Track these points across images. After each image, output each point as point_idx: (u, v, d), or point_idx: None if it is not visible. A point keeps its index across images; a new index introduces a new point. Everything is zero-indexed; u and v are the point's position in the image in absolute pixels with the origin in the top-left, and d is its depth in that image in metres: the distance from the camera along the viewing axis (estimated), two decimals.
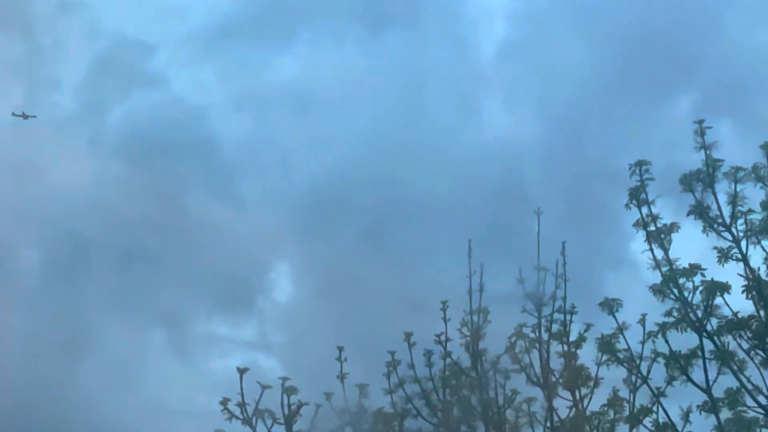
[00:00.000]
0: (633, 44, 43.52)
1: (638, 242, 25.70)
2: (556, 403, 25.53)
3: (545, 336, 25.91)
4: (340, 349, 26.31)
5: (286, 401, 25.54)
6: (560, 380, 25.60)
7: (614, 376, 25.60)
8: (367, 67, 47.80)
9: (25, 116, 32.80)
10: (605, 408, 25.14)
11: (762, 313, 24.57)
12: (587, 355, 25.85)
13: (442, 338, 26.07)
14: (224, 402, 25.39)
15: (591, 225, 33.92)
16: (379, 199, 41.48)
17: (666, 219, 25.43)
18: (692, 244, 25.92)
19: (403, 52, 48.09)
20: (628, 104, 42.01)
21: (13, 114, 32.48)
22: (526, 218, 30.32)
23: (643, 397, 25.21)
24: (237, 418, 25.41)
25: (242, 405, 25.36)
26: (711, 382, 24.58)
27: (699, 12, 44.07)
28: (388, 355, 26.28)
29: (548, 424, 25.37)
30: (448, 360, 25.97)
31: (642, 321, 25.29)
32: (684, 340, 25.05)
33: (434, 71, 47.35)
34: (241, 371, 25.43)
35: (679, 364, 24.72)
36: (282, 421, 25.55)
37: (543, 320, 26.04)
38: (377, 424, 26.02)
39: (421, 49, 48.28)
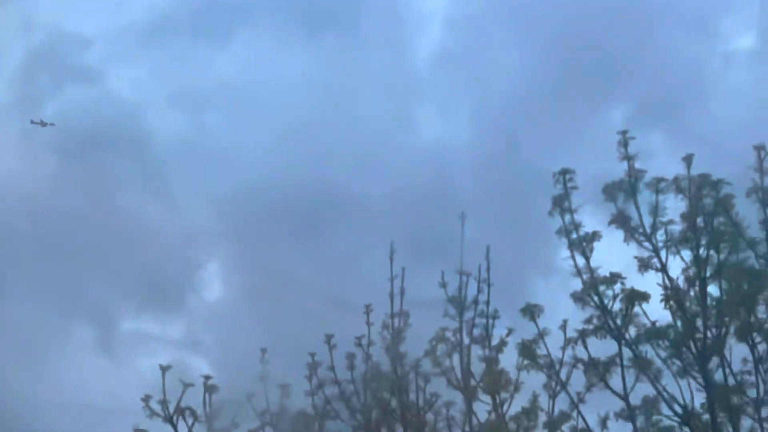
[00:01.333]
0: (568, 53, 43.78)
1: (565, 250, 26.04)
2: (476, 407, 25.75)
3: (467, 340, 26.17)
4: (263, 350, 26.40)
5: (207, 400, 25.55)
6: (480, 384, 25.79)
7: (535, 381, 25.86)
8: (304, 68, 47.74)
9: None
10: (523, 413, 25.32)
11: (679, 322, 24.94)
12: (509, 360, 26.09)
13: (364, 341, 26.22)
14: (146, 399, 25.31)
15: (522, 231, 34.03)
16: (312, 200, 41.42)
17: (593, 228, 25.83)
18: (616, 253, 26.23)
19: (341, 54, 48.10)
20: (562, 113, 42.24)
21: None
22: (457, 223, 30.52)
23: (562, 403, 25.51)
24: (158, 415, 25.35)
25: (164, 402, 25.30)
26: (629, 390, 24.89)
27: (634, 24, 44.44)
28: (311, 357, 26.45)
29: (467, 428, 25.57)
30: (369, 363, 26.15)
31: (563, 327, 25.55)
32: (603, 348, 25.34)
33: (371, 74, 47.35)
34: (164, 368, 25.36)
35: (597, 370, 24.99)
36: (203, 419, 25.53)
37: (465, 324, 26.28)
38: (297, 425, 26.09)
39: (358, 52, 48.28)
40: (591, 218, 26.10)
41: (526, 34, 45.79)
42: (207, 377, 25.56)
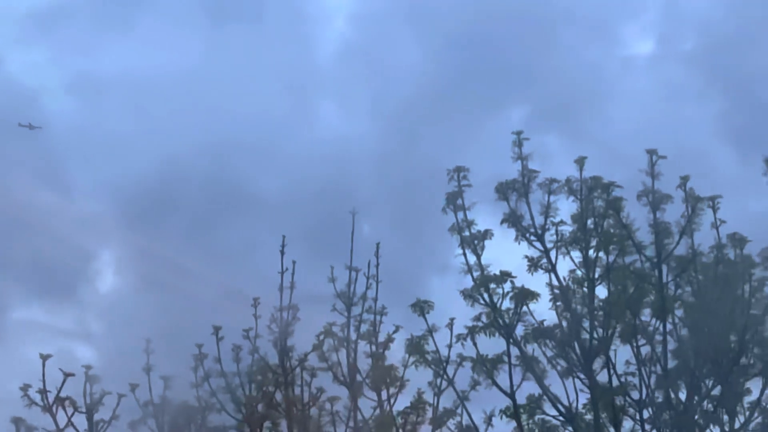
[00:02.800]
0: (470, 53, 44.04)
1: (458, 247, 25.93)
2: (361, 402, 25.59)
3: (354, 336, 26.02)
4: (148, 341, 26.06)
5: (88, 390, 25.07)
6: (367, 380, 25.67)
7: (421, 378, 25.79)
8: (206, 58, 47.35)
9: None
10: (412, 408, 25.21)
11: (566, 323, 25.04)
12: (396, 357, 26.00)
13: (251, 333, 25.95)
14: (24, 388, 24.75)
15: (420, 228, 34.11)
16: (209, 190, 41.15)
17: (488, 226, 25.82)
18: (508, 252, 26.24)
19: (243, 46, 47.78)
20: (462, 112, 42.40)
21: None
22: (355, 218, 30.36)
23: (448, 400, 25.45)
24: (37, 405, 24.82)
25: (43, 392, 24.77)
26: (515, 388, 24.91)
27: (535, 26, 44.79)
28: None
29: (351, 424, 25.43)
30: (256, 356, 25.92)
31: (450, 325, 25.47)
32: (492, 345, 25.35)
33: (273, 66, 47.12)
34: (44, 357, 24.79)
35: (485, 368, 24.97)
36: (84, 409, 25.07)
37: (352, 320, 26.15)
38: (180, 417, 25.73)
39: (261, 44, 48.03)
40: (491, 217, 26.20)
41: (429, 32, 46.01)
42: (88, 367, 25.08)
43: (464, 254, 25.47)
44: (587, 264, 25.18)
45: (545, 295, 25.28)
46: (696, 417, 24.62)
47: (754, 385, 24.76)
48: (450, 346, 25.32)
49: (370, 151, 42.26)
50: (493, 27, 44.20)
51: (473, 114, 41.39)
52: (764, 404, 24.63)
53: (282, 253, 26.34)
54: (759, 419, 24.60)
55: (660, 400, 24.70)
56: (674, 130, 37.84)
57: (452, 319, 25.31)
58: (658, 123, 38.63)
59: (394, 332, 25.87)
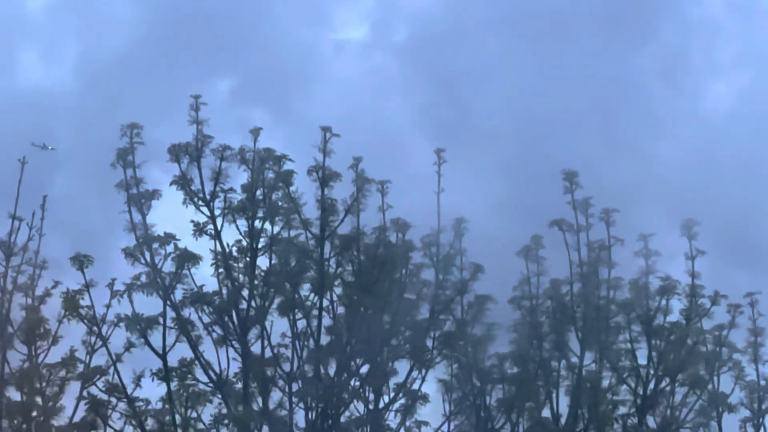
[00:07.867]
0: (183, 17, 43.30)
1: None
2: (11, 355, 25.00)
3: (10, 286, 25.39)
4: None
5: None
6: (17, 333, 25.08)
7: (79, 335, 25.36)
8: None
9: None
10: (62, 363, 24.74)
11: (225, 290, 25.10)
12: (54, 312, 25.47)
13: None
14: None
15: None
16: None
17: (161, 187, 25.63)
18: (179, 215, 26.10)
19: None
20: (171, 75, 41.67)
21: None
22: (46, 170, 29.65)
23: (103, 359, 25.09)
24: None
25: None
26: (168, 349, 24.80)
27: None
28: None
29: None
30: None
31: (111, 285, 25.11)
32: (150, 306, 25.15)
33: None
34: None
35: (139, 326, 24.75)
36: None
37: (10, 270, 25.52)
38: None
39: None
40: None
41: None
42: None
43: (129, 212, 25.24)
44: (252, 234, 25.33)
45: (209, 261, 25.37)
46: (343, 393, 25.06)
47: (402, 367, 25.43)
48: (109, 306, 25.02)
49: (71, 105, 41.12)
50: None
51: (181, 79, 40.79)
52: (409, 385, 25.27)
53: None
54: (403, 400, 25.22)
55: (310, 374, 25.02)
56: (378, 117, 38.24)
57: (114, 279, 25.04)
58: (364, 109, 38.95)
59: (53, 287, 25.34)
